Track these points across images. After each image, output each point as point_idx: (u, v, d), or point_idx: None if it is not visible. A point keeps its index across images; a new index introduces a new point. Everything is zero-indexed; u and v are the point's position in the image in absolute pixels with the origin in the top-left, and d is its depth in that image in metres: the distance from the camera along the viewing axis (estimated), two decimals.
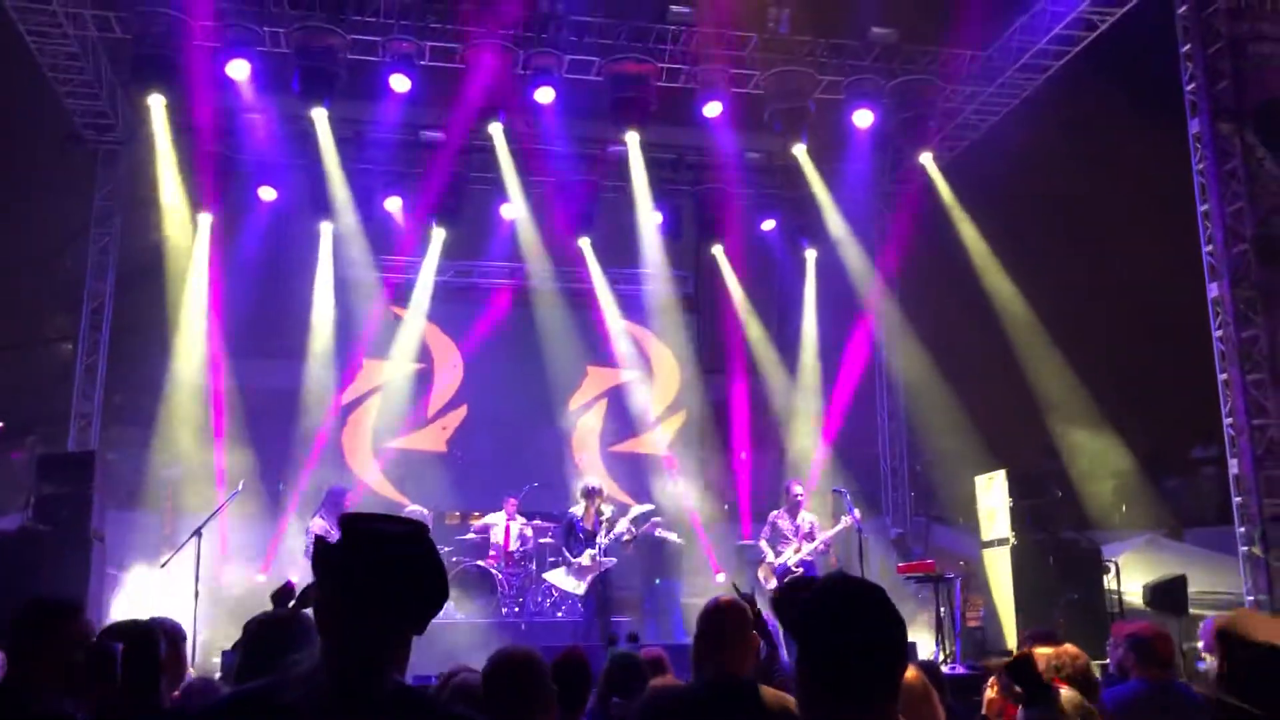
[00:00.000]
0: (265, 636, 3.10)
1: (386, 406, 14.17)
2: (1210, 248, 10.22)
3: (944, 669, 7.59)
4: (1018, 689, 2.69)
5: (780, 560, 10.53)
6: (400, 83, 11.48)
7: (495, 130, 12.47)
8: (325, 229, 13.33)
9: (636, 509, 10.89)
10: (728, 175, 13.82)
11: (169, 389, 11.89)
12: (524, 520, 11.82)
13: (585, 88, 12.11)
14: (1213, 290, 10.22)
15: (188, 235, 12.44)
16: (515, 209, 13.69)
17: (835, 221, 13.87)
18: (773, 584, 10.37)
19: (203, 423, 12.05)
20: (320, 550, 1.93)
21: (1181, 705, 4.29)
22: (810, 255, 14.58)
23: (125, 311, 12.59)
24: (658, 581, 12.40)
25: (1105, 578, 10.31)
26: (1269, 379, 9.74)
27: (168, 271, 12.33)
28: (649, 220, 13.94)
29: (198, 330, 12.27)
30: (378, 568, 1.91)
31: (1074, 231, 14.81)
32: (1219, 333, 10.14)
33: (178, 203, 12.24)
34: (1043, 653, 3.04)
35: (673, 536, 11.73)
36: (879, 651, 1.75)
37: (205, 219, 12.55)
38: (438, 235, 13.68)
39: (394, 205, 13.48)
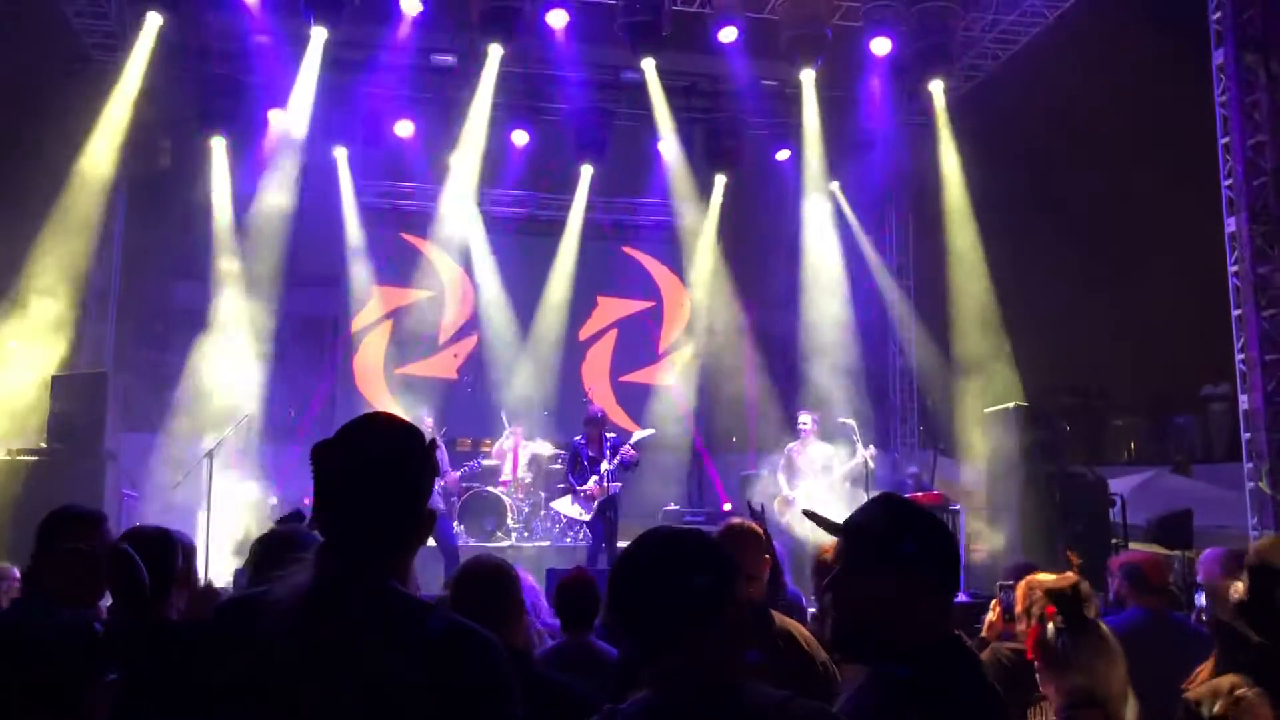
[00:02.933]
0: (271, 550, 3.14)
1: (398, 333, 14.20)
2: (1230, 181, 10.08)
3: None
4: (1059, 620, 2.69)
5: (795, 493, 10.58)
6: (411, 4, 11.32)
7: (493, 52, 12.21)
8: (338, 154, 13.25)
9: (639, 433, 10.94)
10: (742, 104, 13.64)
11: (179, 313, 11.91)
12: (532, 448, 11.93)
13: (598, 11, 11.92)
14: (1230, 225, 10.10)
15: (198, 159, 12.37)
16: (527, 136, 13.57)
17: (848, 154, 13.74)
18: (787, 516, 10.42)
19: (214, 346, 12.09)
20: (312, 450, 1.94)
21: (1178, 634, 4.31)
22: (834, 187, 14.43)
23: (136, 235, 12.57)
24: (674, 506, 12.52)
25: (1110, 511, 10.34)
26: None
27: (177, 195, 12.28)
28: (661, 149, 13.80)
29: (208, 255, 12.26)
30: (359, 462, 1.91)
31: (1090, 165, 14.62)
32: (1235, 268, 10.04)
33: (185, 125, 12.15)
34: (1044, 578, 3.05)
35: (642, 435, 11.49)
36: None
37: (218, 142, 12.49)
38: (454, 162, 13.57)
39: (405, 131, 13.38)
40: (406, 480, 1.95)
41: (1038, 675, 2.74)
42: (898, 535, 1.99)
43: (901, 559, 1.97)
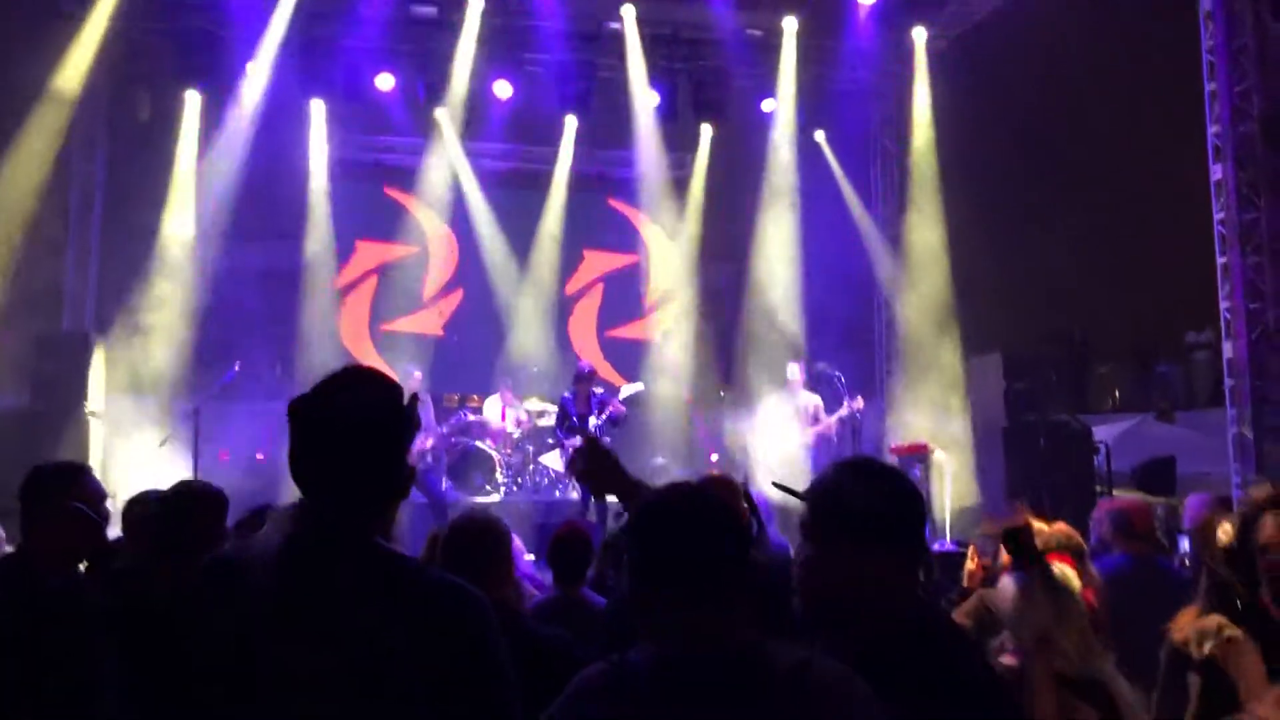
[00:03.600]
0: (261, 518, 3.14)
1: (383, 289, 14.12)
2: (1216, 128, 10.05)
3: (934, 546, 7.74)
4: (1009, 557, 2.70)
5: (783, 443, 10.63)
6: None
7: (474, 3, 12.00)
8: (317, 107, 13.08)
9: (627, 388, 10.95)
10: (726, 53, 13.50)
11: (163, 270, 11.79)
12: (520, 403, 11.94)
13: None
14: (1216, 172, 10.09)
15: (176, 113, 12.21)
16: (508, 88, 13.42)
17: (834, 102, 13.65)
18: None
19: (198, 304, 12.00)
20: (290, 405, 1.92)
21: (1163, 579, 4.36)
22: (817, 136, 14.35)
23: (117, 191, 12.42)
24: (661, 460, 12.58)
25: (1095, 459, 10.42)
26: (1268, 262, 9.70)
27: (156, 150, 12.13)
28: (644, 100, 13.67)
29: (190, 211, 12.13)
30: (339, 416, 1.89)
31: (1077, 112, 14.56)
32: (1220, 215, 10.05)
33: (163, 78, 11.97)
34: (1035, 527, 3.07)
35: (630, 390, 11.52)
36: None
37: (194, 96, 12.31)
38: (435, 116, 13.42)
39: (386, 84, 13.20)
40: (387, 435, 1.93)
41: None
42: (866, 505, 1.94)
43: (870, 530, 1.92)
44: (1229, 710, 2.47)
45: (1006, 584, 2.66)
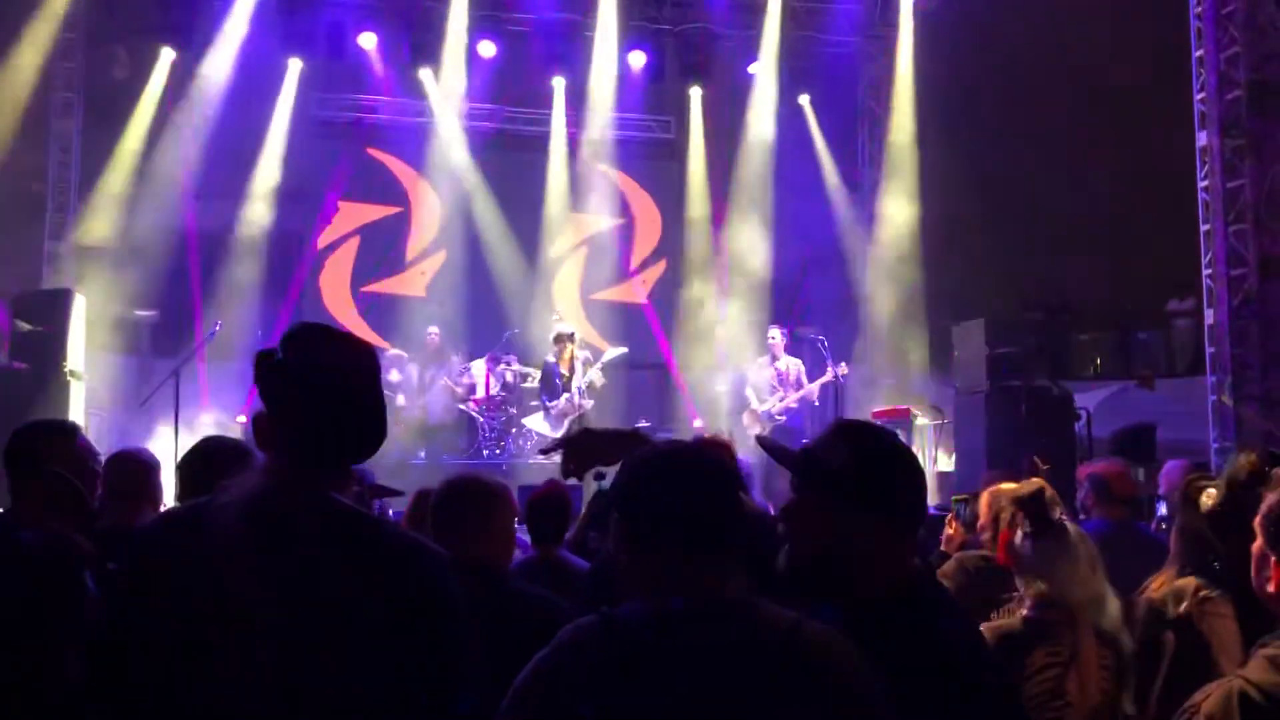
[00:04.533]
0: (202, 460, 3.10)
1: (364, 250, 14.03)
2: (1202, 94, 10.05)
3: None
4: (1028, 524, 2.71)
5: (765, 407, 10.67)
6: None
7: None
8: (295, 65, 12.92)
9: (610, 352, 10.95)
10: (712, 14, 13.38)
11: (142, 230, 11.69)
12: (504, 365, 11.93)
13: None
14: (1201, 139, 10.10)
15: (151, 71, 12.04)
16: (492, 49, 13.29)
17: (822, 65, 13.59)
18: (757, 430, 10.52)
19: (177, 265, 11.92)
20: (256, 358, 1.91)
21: (1139, 543, 4.40)
22: (805, 101, 14.29)
23: (94, 150, 12.27)
24: (645, 423, 12.60)
25: (1076, 425, 10.48)
26: (1251, 229, 9.73)
27: (133, 109, 11.97)
28: (630, 62, 13.56)
29: (167, 170, 12.00)
30: (308, 372, 1.89)
31: (1062, 78, 14.52)
32: (1205, 183, 10.07)
33: (140, 36, 11.80)
34: (1008, 487, 3.09)
35: (613, 354, 11.57)
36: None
37: (168, 54, 12.15)
38: (418, 76, 13.28)
39: (368, 42, 13.05)
40: (356, 393, 1.93)
41: (1016, 580, 2.78)
42: (856, 469, 1.88)
43: (860, 495, 1.87)
44: (1202, 669, 2.50)
45: (1028, 546, 2.68)
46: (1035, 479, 2.79)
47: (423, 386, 11.63)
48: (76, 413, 9.04)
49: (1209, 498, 2.74)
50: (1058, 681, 2.51)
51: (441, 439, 11.56)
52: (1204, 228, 10.08)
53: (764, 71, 13.81)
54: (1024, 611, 2.66)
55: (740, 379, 11.34)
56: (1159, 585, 2.92)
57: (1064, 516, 2.71)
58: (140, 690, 1.80)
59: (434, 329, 11.94)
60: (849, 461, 1.89)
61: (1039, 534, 2.65)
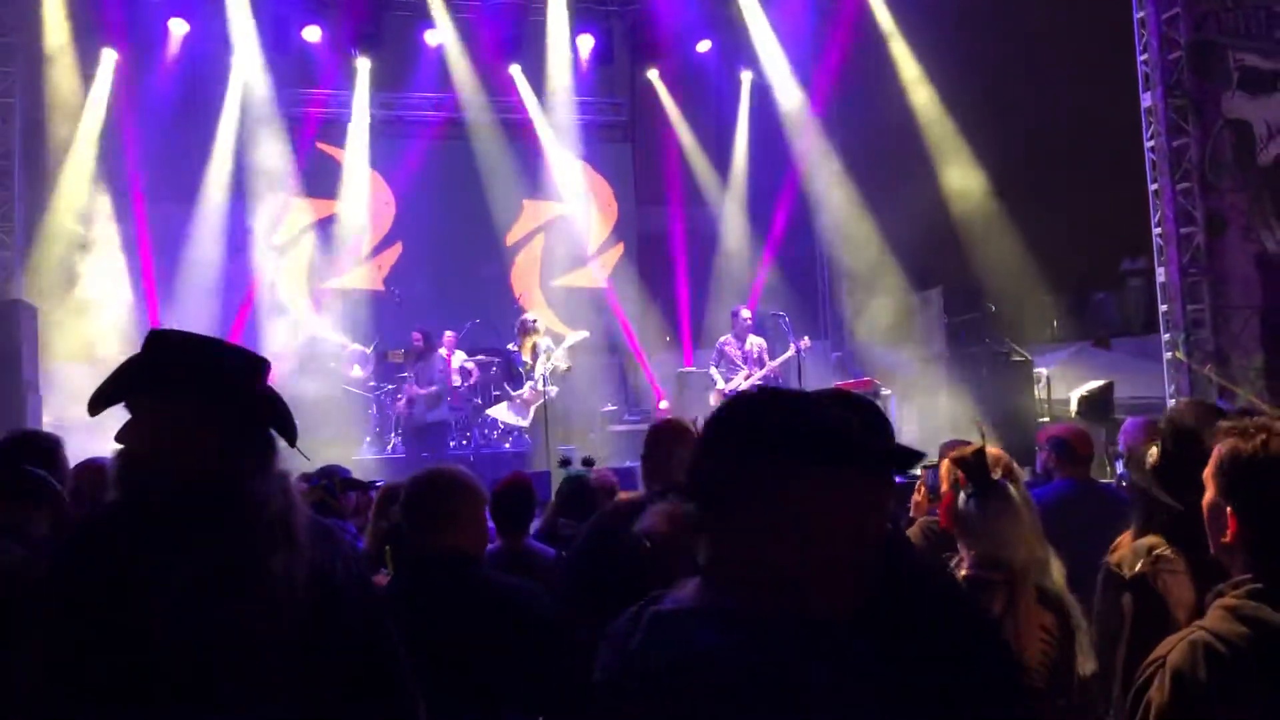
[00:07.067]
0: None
1: (320, 246, 13.88)
2: (1145, 56, 10.17)
3: None
4: (969, 484, 2.72)
5: (730, 386, 10.71)
6: None
7: None
8: (240, 62, 12.74)
9: (571, 336, 10.94)
10: None
11: (89, 239, 11.51)
12: (465, 355, 11.88)
13: None
14: (1146, 100, 10.24)
15: (92, 74, 11.84)
16: (441, 35, 13.18)
17: (769, 42, 13.59)
18: None
19: (128, 270, 11.75)
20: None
21: (1103, 502, 4.47)
22: (746, 78, 14.32)
23: (37, 159, 12.04)
24: (611, 407, 12.62)
25: (1036, 388, 10.62)
26: (1197, 188, 9.88)
27: (74, 115, 11.76)
28: (579, 45, 13.52)
29: (114, 175, 11.82)
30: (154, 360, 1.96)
31: (1006, 48, 14.61)
32: (1151, 143, 10.21)
33: (80, 40, 11.58)
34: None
35: (575, 339, 11.51)
36: None
37: (110, 55, 11.94)
38: (362, 66, 13.17)
39: (313, 35, 12.91)
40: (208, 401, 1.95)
41: (958, 542, 2.79)
42: (841, 427, 1.87)
43: (841, 452, 1.85)
44: (1161, 628, 2.53)
45: (970, 506, 2.68)
46: (975, 442, 2.79)
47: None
48: (34, 424, 8.91)
49: (1151, 455, 2.77)
50: None
51: (405, 433, 11.49)
52: (1152, 187, 10.23)
53: (717, 50, 13.84)
54: (963, 571, 2.67)
55: (710, 358, 11.35)
56: (1122, 547, 2.96)
57: (1006, 479, 2.72)
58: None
59: (418, 333, 11.74)
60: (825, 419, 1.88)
61: (980, 494, 2.67)
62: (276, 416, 2.00)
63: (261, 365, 2.03)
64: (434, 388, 11.22)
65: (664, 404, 12.66)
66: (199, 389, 1.92)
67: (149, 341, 1.98)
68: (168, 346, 1.98)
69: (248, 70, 12.75)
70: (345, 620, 1.92)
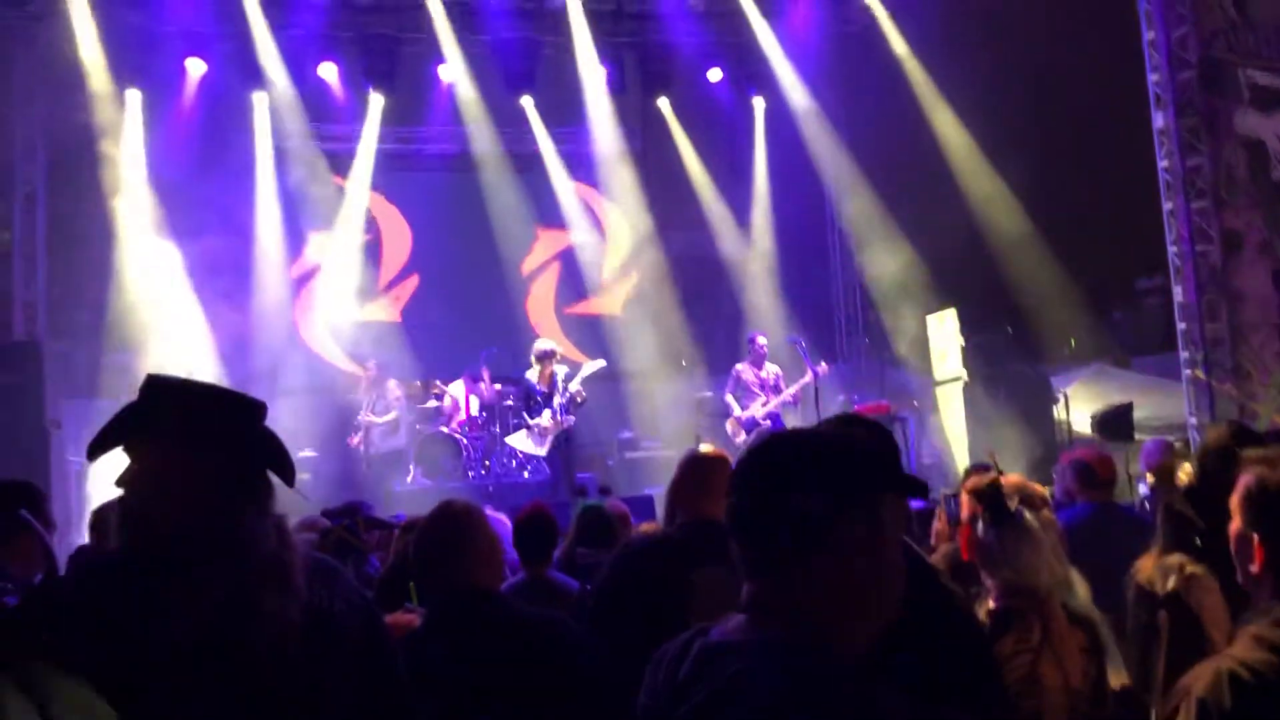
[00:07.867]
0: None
1: (337, 280, 13.98)
2: (1156, 76, 10.19)
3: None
4: (986, 514, 2.73)
5: (747, 414, 10.67)
6: None
7: None
8: (259, 99, 12.90)
9: (589, 366, 10.94)
10: (670, 25, 13.47)
11: (114, 273, 11.63)
12: (482, 386, 11.93)
13: None
14: (1158, 120, 10.25)
15: (116, 113, 11.99)
16: (454, 70, 13.32)
17: (783, 68, 13.68)
18: (741, 438, 10.54)
19: (152, 305, 11.84)
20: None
21: (1127, 524, 4.45)
22: (758, 104, 14.41)
23: (61, 195, 12.18)
24: (629, 434, 12.63)
25: (1054, 408, 10.58)
26: (1212, 206, 9.87)
27: (100, 152, 11.90)
28: (592, 76, 13.63)
29: (138, 212, 11.94)
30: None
31: (1020, 69, 14.64)
32: (1164, 163, 10.21)
33: (102, 79, 11.74)
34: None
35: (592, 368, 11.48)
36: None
37: (134, 95, 12.12)
38: (376, 101, 13.31)
39: (329, 72, 13.06)
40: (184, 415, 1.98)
41: (981, 573, 2.80)
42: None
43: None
44: (1198, 642, 2.54)
45: (990, 536, 2.69)
46: (991, 472, 2.80)
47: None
48: (57, 462, 9.00)
49: (1185, 474, 2.78)
50: (1031, 668, 2.51)
51: (425, 463, 11.52)
52: (1166, 206, 10.22)
53: (728, 78, 13.95)
54: (990, 602, 2.68)
55: (726, 385, 11.33)
56: (1147, 565, 2.96)
57: (1022, 508, 2.73)
58: None
59: (371, 362, 11.91)
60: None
61: (997, 524, 2.67)
62: (273, 458, 2.01)
63: (258, 408, 2.04)
64: (391, 415, 11.41)
65: (706, 446, 12.62)
66: (194, 434, 1.93)
67: (145, 387, 2.00)
68: (163, 392, 2.00)
69: (263, 107, 12.91)
70: (345, 659, 1.92)
